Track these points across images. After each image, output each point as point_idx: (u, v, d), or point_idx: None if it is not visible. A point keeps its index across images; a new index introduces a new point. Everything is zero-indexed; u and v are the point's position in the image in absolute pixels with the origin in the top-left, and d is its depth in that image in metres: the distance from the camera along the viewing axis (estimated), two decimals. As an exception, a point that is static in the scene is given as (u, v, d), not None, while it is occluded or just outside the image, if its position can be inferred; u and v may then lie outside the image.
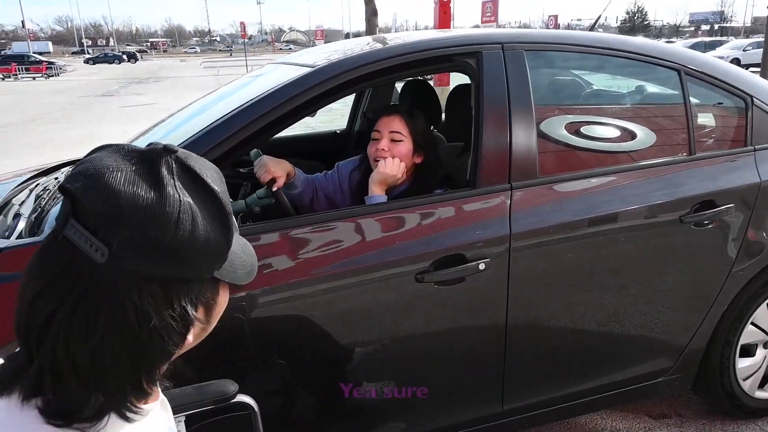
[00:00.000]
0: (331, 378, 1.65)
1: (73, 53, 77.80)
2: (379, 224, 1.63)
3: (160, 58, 66.88)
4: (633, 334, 1.95)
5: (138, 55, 60.41)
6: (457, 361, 1.77)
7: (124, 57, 52.80)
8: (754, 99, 2.05)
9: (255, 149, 1.87)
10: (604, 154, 1.93)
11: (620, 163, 1.90)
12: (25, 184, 2.11)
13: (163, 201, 0.53)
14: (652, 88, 2.21)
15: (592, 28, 3.03)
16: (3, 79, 30.32)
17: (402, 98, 2.55)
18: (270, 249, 1.53)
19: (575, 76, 2.20)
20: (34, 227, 1.59)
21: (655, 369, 2.05)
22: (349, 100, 3.04)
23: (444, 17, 13.04)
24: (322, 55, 1.94)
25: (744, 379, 2.20)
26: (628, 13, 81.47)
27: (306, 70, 1.68)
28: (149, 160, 0.56)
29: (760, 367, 2.22)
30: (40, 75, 31.96)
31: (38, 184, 2.07)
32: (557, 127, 1.88)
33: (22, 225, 1.60)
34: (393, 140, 1.86)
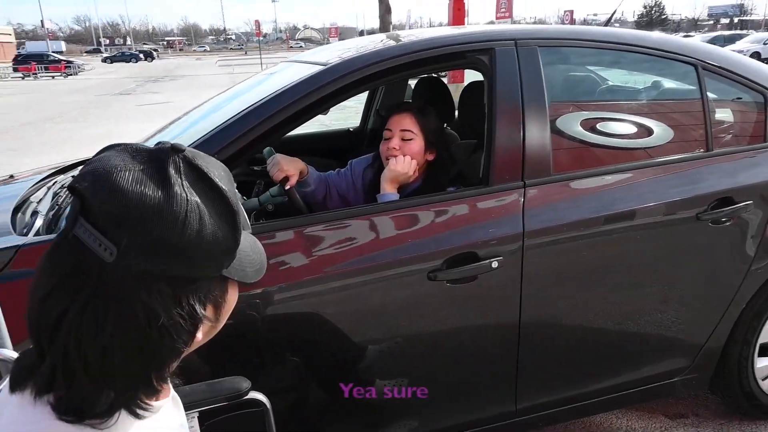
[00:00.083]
0: (343, 375, 1.65)
1: (86, 52, 78.65)
2: (392, 222, 1.63)
3: (176, 57, 67.47)
4: (649, 332, 1.93)
5: (154, 53, 61.06)
6: (469, 360, 1.76)
7: (141, 56, 53.40)
8: (774, 94, 2.01)
9: (268, 147, 1.87)
10: (618, 151, 1.90)
11: (635, 160, 1.87)
12: (42, 182, 2.14)
13: (171, 200, 0.54)
14: (668, 84, 2.18)
15: (607, 23, 2.99)
16: (23, 78, 30.82)
17: (415, 96, 2.54)
18: (282, 247, 1.54)
19: (590, 72, 2.18)
20: (51, 224, 1.61)
21: (671, 368, 2.02)
22: (363, 97, 3.04)
23: (458, 14, 12.96)
24: (334, 52, 1.94)
25: (763, 379, 2.16)
26: (645, 7, 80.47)
27: (318, 68, 1.68)
28: (157, 159, 0.56)
29: (779, 366, 2.18)
30: (59, 74, 32.43)
31: (56, 182, 2.09)
32: (571, 124, 1.86)
33: (39, 222, 1.62)
34: (404, 138, 1.85)
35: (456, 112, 2.48)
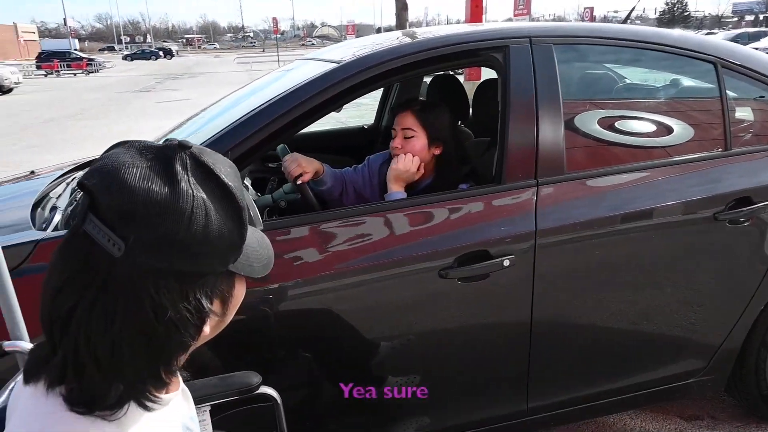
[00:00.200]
0: (354, 371, 1.66)
1: (100, 50, 79.50)
2: (403, 219, 1.63)
3: (195, 54, 68.07)
4: (663, 333, 1.91)
5: (174, 51, 61.72)
6: (480, 358, 1.76)
7: (161, 53, 54.00)
8: (796, 92, 1.97)
9: (282, 144, 1.89)
10: (635, 150, 1.88)
11: (651, 159, 1.85)
12: (61, 178, 2.18)
13: (177, 196, 0.54)
14: (686, 82, 2.14)
15: (625, 20, 2.96)
16: (46, 76, 31.33)
17: (430, 93, 2.53)
18: (293, 243, 1.55)
19: (607, 69, 2.15)
20: (69, 220, 1.64)
21: (686, 369, 2.00)
22: (379, 94, 3.04)
23: (476, 11, 12.91)
24: (349, 50, 1.94)
25: (781, 382, 2.12)
26: (667, 4, 79.16)
27: (332, 66, 1.69)
28: (164, 156, 0.57)
29: (798, 369, 2.14)
30: (81, 71, 32.89)
31: (74, 178, 2.13)
32: (588, 122, 1.84)
33: (58, 218, 1.66)
34: (406, 137, 1.86)
35: (470, 110, 2.47)
